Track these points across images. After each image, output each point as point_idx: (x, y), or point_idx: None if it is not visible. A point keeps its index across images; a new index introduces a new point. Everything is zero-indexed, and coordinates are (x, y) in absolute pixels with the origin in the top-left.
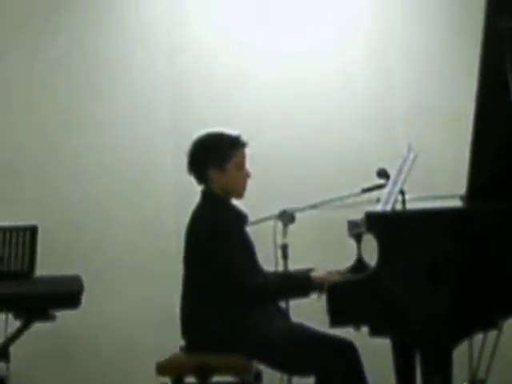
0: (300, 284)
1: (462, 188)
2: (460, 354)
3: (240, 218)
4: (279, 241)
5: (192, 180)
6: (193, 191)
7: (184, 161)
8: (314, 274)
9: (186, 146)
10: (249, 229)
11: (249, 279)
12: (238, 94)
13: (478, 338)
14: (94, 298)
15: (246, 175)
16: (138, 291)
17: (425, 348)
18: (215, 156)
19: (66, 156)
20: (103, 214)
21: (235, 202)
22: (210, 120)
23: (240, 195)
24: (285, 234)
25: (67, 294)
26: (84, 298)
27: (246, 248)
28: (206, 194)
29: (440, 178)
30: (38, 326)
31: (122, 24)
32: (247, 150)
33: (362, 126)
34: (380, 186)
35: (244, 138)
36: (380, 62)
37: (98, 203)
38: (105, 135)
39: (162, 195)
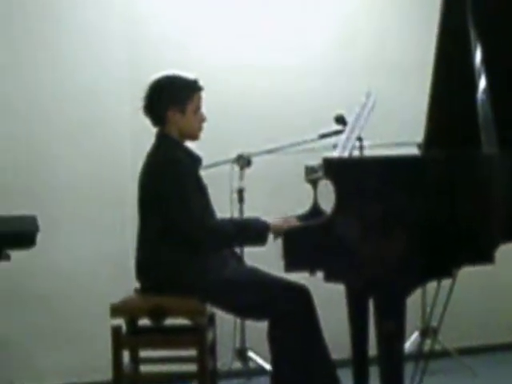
0: (257, 231)
1: (419, 136)
2: (413, 303)
3: (194, 161)
4: (235, 185)
5: (149, 128)
6: (150, 139)
7: (140, 109)
8: (273, 223)
9: (142, 93)
10: (205, 172)
11: (205, 221)
12: (195, 40)
13: (432, 286)
14: (50, 240)
15: (202, 119)
16: (94, 233)
17: (378, 295)
18: (177, 96)
19: (19, 100)
20: (59, 160)
21: (192, 144)
22: (166, 66)
23: (195, 138)
24: (241, 178)
25: (22, 233)
26: (39, 241)
27: (201, 190)
28: (160, 137)
29: (398, 125)
30: None
31: None
32: (204, 94)
33: (322, 72)
34: (337, 132)
35: (200, 82)
36: (343, 11)
37: (54, 149)
38: (60, 81)
39: (119, 143)
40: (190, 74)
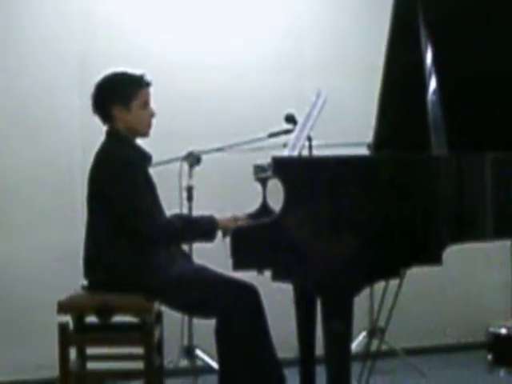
0: (206, 227)
1: (369, 137)
2: (361, 303)
3: (144, 158)
4: (184, 182)
5: (99, 125)
6: (100, 132)
7: (90, 106)
8: (220, 218)
9: (91, 89)
10: (154, 170)
11: (152, 219)
12: (147, 36)
13: (379, 286)
14: None
15: (151, 114)
16: (41, 229)
17: (325, 294)
18: (120, 94)
19: None
20: (7, 152)
21: (141, 142)
22: (119, 60)
23: (145, 134)
24: (190, 175)
25: None
26: None
27: (149, 188)
28: (110, 133)
29: (348, 125)
30: None
31: None
32: (153, 91)
33: (272, 71)
34: (287, 131)
35: (148, 77)
36: (294, 8)
37: (2, 145)
38: (9, 74)
39: (69, 136)
40: (136, 71)
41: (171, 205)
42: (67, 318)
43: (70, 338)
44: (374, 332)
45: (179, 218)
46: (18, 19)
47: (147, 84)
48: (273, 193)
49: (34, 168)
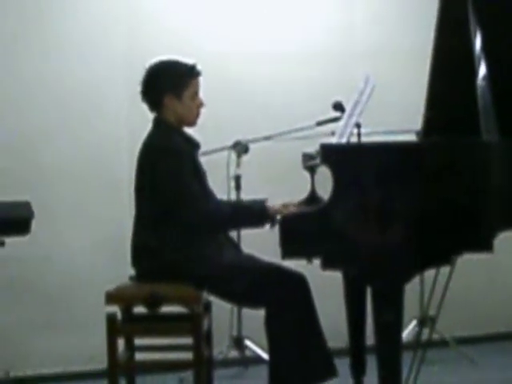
0: (255, 213)
1: (417, 124)
2: (411, 291)
3: (192, 145)
4: (232, 172)
5: (146, 114)
6: (147, 125)
7: (137, 94)
8: (269, 205)
9: (139, 78)
10: (202, 159)
11: (201, 206)
12: (193, 26)
13: (430, 274)
14: (44, 227)
15: (200, 104)
16: (89, 220)
17: (376, 283)
18: (173, 82)
19: (12, 85)
20: (53, 145)
21: (189, 130)
22: (165, 50)
23: (192, 124)
24: (238, 164)
25: (17, 219)
26: (33, 227)
27: (198, 175)
28: (158, 121)
29: (397, 112)
30: None
31: None
32: (201, 80)
33: (321, 59)
34: (335, 119)
35: (199, 67)
36: None
37: (48, 136)
38: (54, 65)
39: (116, 129)
40: (188, 60)
41: (219, 194)
42: (115, 309)
43: (118, 328)
44: (425, 321)
45: (229, 204)
46: (61, 15)
47: (198, 74)
48: (321, 181)
49: (80, 160)
